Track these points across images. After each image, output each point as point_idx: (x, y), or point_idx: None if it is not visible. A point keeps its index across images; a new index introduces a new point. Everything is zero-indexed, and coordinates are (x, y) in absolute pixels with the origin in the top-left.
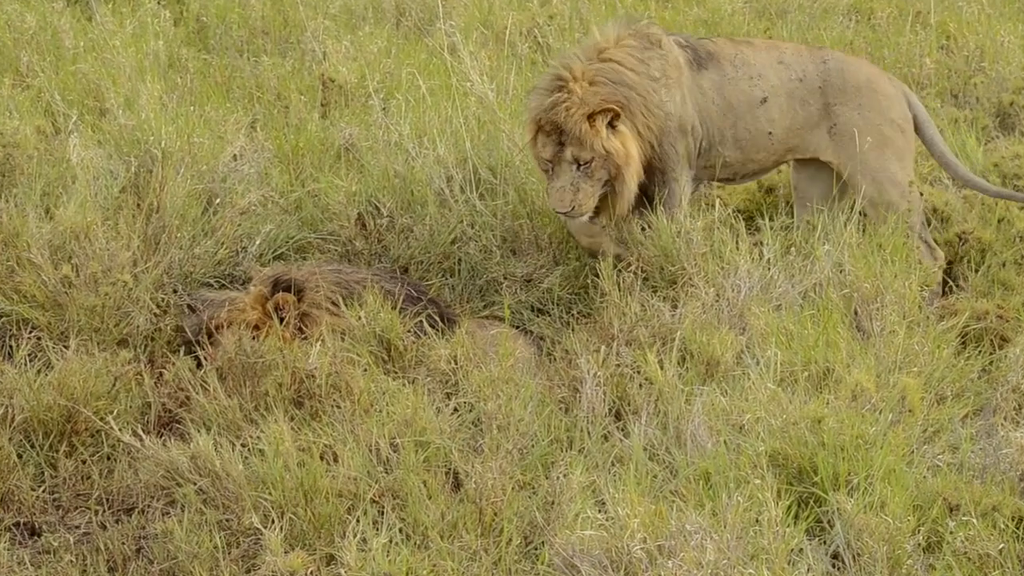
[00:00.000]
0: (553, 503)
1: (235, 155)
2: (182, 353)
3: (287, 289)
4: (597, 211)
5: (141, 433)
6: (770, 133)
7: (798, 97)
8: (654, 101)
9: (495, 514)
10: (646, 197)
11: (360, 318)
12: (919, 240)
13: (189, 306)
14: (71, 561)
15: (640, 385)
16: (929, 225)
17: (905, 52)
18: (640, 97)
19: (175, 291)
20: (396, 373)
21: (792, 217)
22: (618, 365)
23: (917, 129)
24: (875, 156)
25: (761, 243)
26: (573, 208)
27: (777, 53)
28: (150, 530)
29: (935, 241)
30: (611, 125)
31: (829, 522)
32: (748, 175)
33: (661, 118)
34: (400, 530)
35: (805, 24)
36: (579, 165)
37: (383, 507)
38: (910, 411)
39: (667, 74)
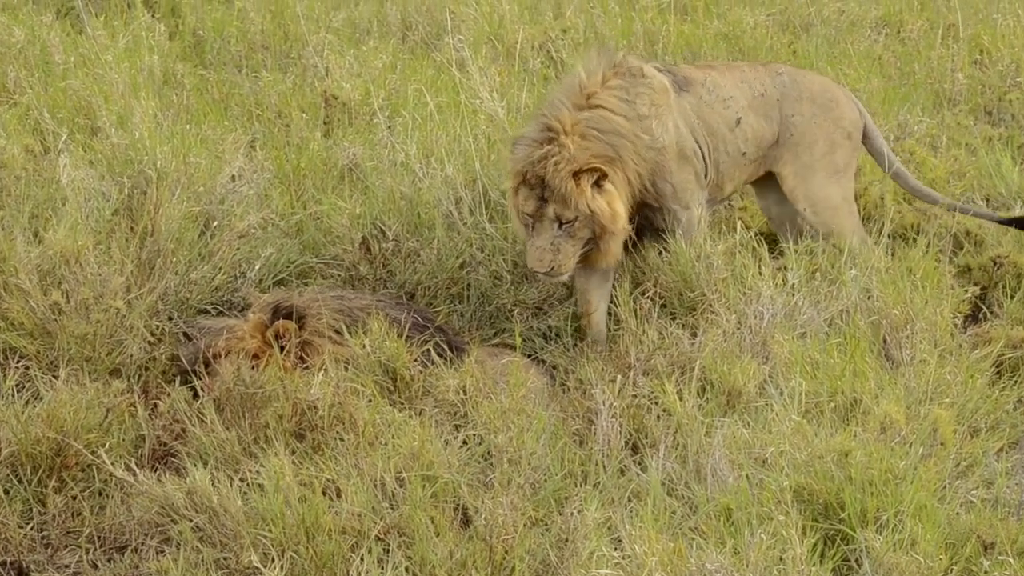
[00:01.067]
0: (567, 540)
1: (233, 176)
2: (178, 383)
3: (288, 316)
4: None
5: (134, 467)
6: (744, 153)
7: (762, 113)
8: (645, 143)
9: (506, 552)
10: (658, 232)
11: (364, 346)
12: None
13: (185, 334)
14: None
15: (658, 417)
16: (962, 249)
17: (936, 67)
18: (631, 144)
19: (170, 318)
20: (402, 404)
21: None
22: (635, 396)
23: (865, 139)
24: (821, 168)
25: (785, 267)
26: (552, 269)
27: (738, 73)
28: (144, 569)
29: (968, 266)
30: (597, 184)
31: (857, 561)
32: (722, 200)
33: (653, 159)
34: (406, 569)
35: (831, 37)
36: (561, 223)
37: (388, 545)
38: (942, 444)
39: (656, 103)
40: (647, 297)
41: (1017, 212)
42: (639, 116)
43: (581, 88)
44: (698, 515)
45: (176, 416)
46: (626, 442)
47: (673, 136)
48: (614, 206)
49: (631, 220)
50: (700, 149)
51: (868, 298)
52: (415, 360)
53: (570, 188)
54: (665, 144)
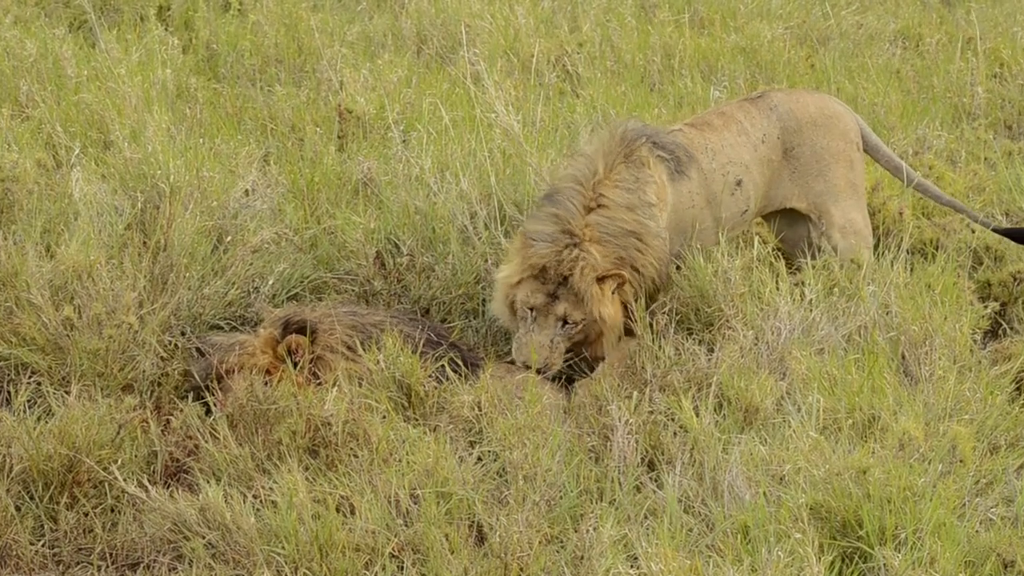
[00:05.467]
0: (582, 558)
1: (247, 190)
2: (190, 399)
3: (300, 331)
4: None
5: (147, 484)
6: (745, 211)
7: (765, 160)
8: (652, 232)
9: (521, 570)
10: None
11: (378, 362)
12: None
13: (198, 349)
14: None
15: (674, 433)
16: (981, 265)
17: (955, 80)
18: (639, 239)
19: (183, 334)
20: (416, 420)
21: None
22: (651, 412)
23: (868, 149)
24: (840, 191)
25: (802, 283)
26: (546, 366)
27: (735, 125)
28: None
29: (988, 282)
30: (615, 290)
31: None
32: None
33: (661, 246)
34: None
35: (849, 51)
36: (565, 323)
37: (403, 562)
38: (961, 461)
39: (660, 197)
40: (663, 312)
41: None
42: (646, 204)
43: (590, 181)
44: (715, 532)
45: (189, 432)
46: (642, 459)
47: (664, 232)
48: (617, 312)
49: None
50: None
51: (887, 314)
52: (429, 376)
53: (594, 293)
54: (665, 237)
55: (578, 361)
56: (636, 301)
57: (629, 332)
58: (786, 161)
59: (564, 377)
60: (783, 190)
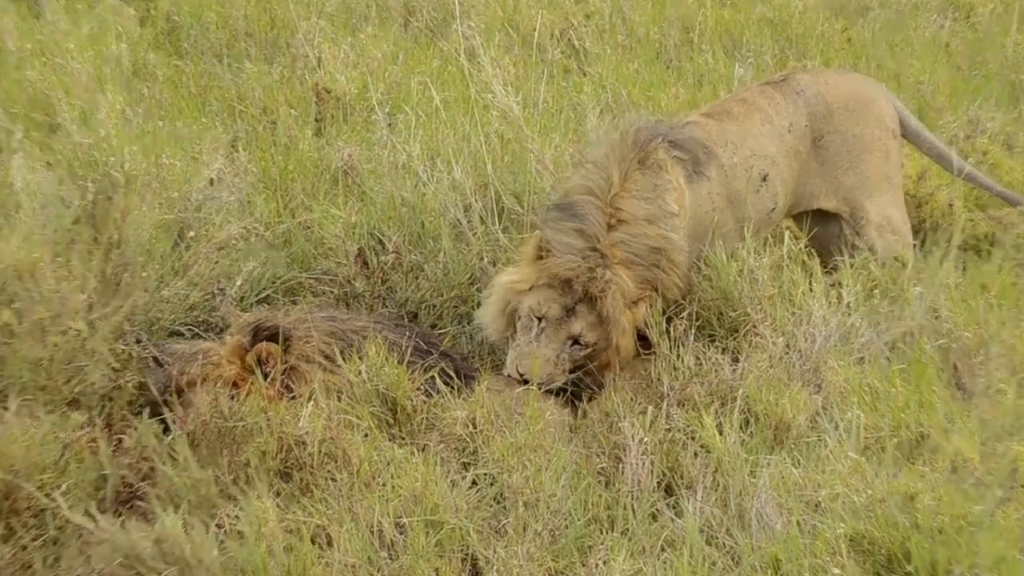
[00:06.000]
0: None
1: (212, 179)
2: (146, 416)
3: (272, 339)
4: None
5: (95, 512)
6: (772, 209)
7: (792, 151)
8: (675, 246)
9: None
10: None
11: (360, 374)
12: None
13: (155, 359)
14: None
15: (695, 453)
16: None
17: (1011, 56)
18: (663, 255)
19: (138, 341)
20: (403, 439)
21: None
22: (668, 429)
23: (909, 135)
24: (875, 185)
25: (839, 284)
26: (547, 380)
27: (758, 113)
28: None
29: None
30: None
31: None
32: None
33: (684, 259)
34: None
35: (891, 22)
36: (576, 343)
37: None
38: (1023, 486)
39: (680, 203)
40: (682, 317)
41: None
42: (667, 214)
43: (606, 195)
44: (742, 567)
45: (144, 453)
46: (658, 483)
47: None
48: (633, 347)
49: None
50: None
51: (936, 318)
52: (418, 389)
53: (622, 319)
54: (683, 248)
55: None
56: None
57: (645, 343)
58: (815, 152)
59: (569, 392)
60: (811, 186)
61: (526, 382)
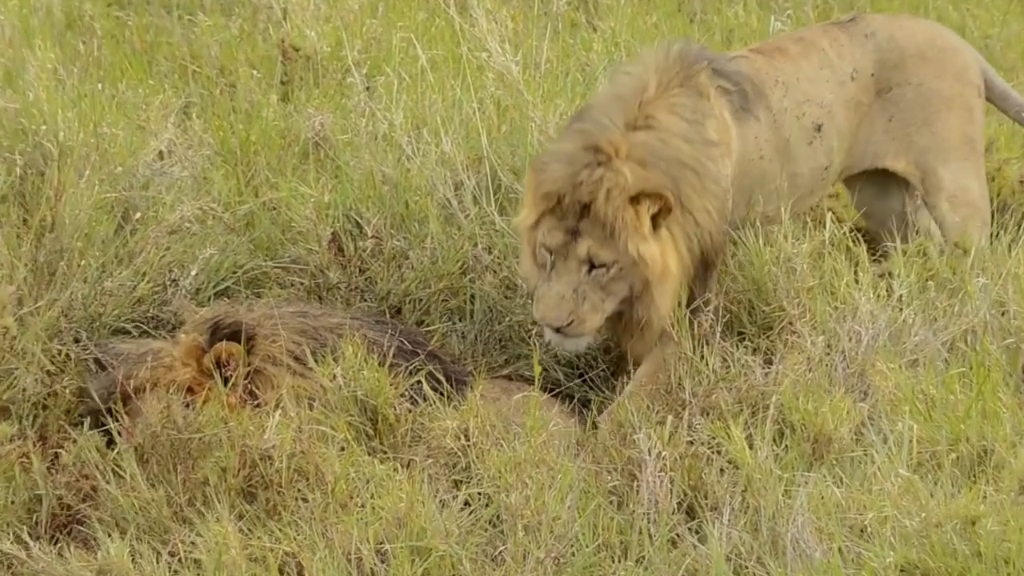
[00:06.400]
0: None
1: (161, 152)
2: (86, 427)
3: (233, 338)
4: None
5: (27, 538)
6: (826, 167)
7: (853, 102)
8: (712, 176)
9: None
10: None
11: (335, 378)
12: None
13: (97, 361)
14: None
15: (721, 470)
16: None
17: None
18: (696, 176)
19: (77, 340)
20: (384, 453)
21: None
22: (690, 442)
23: (992, 95)
24: (952, 148)
25: (889, 274)
26: (572, 323)
27: (817, 55)
28: None
29: None
30: (655, 221)
31: None
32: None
33: (721, 197)
34: None
35: None
36: (592, 267)
37: None
38: None
39: (723, 138)
40: (707, 311)
41: None
42: (706, 142)
43: (636, 98)
44: None
45: (84, 470)
46: (679, 503)
47: (728, 182)
48: (667, 257)
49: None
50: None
51: (1002, 314)
52: (401, 396)
53: (626, 219)
54: (727, 187)
55: (605, 367)
56: (688, 255)
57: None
58: (880, 106)
59: (576, 399)
60: (874, 144)
61: (558, 331)
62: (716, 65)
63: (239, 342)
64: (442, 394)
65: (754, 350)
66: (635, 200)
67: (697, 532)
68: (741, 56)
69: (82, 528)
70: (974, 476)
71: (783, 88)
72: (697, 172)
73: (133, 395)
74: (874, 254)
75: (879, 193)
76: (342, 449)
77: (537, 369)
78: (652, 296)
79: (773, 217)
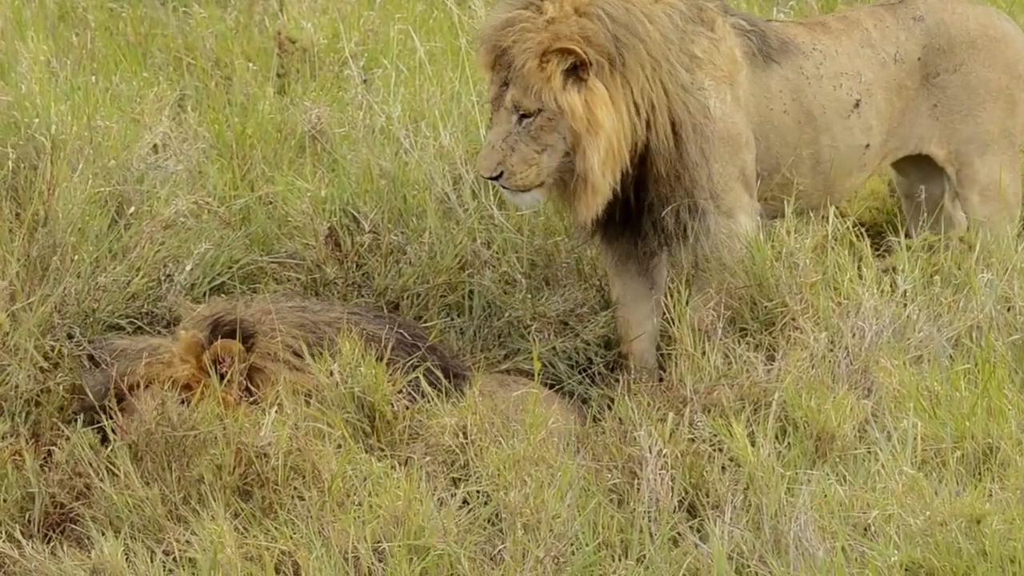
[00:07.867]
0: None
1: (156, 145)
2: (80, 424)
3: (230, 334)
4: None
5: (20, 537)
6: (867, 146)
7: (895, 85)
8: (680, 80)
9: None
10: (667, 240)
11: (331, 374)
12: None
13: (91, 358)
14: None
15: (723, 468)
16: None
17: None
18: (648, 56)
19: (70, 336)
20: (382, 451)
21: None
22: (692, 440)
23: None
24: (993, 140)
25: (894, 269)
26: (501, 174)
27: (859, 33)
28: None
29: None
30: (574, 74)
31: None
32: (823, 207)
33: (685, 105)
34: None
35: None
36: (521, 117)
37: None
38: None
39: (714, 62)
40: (709, 307)
41: None
42: (687, 54)
43: None
44: None
45: (78, 468)
46: (680, 502)
47: (726, 111)
48: (595, 109)
49: (628, 191)
50: (757, 145)
51: (1008, 310)
52: (399, 392)
53: (530, 69)
54: (714, 115)
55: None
56: (630, 118)
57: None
58: (926, 91)
59: (576, 395)
60: (920, 128)
61: (497, 182)
62: (736, 13)
63: (236, 339)
64: (440, 390)
65: (756, 346)
66: (544, 55)
67: (699, 531)
68: (779, 23)
69: (75, 527)
70: (979, 474)
71: (820, 56)
72: (653, 56)
73: (129, 392)
74: (877, 249)
75: (923, 176)
76: (339, 446)
77: (536, 365)
78: (584, 149)
79: (810, 195)
